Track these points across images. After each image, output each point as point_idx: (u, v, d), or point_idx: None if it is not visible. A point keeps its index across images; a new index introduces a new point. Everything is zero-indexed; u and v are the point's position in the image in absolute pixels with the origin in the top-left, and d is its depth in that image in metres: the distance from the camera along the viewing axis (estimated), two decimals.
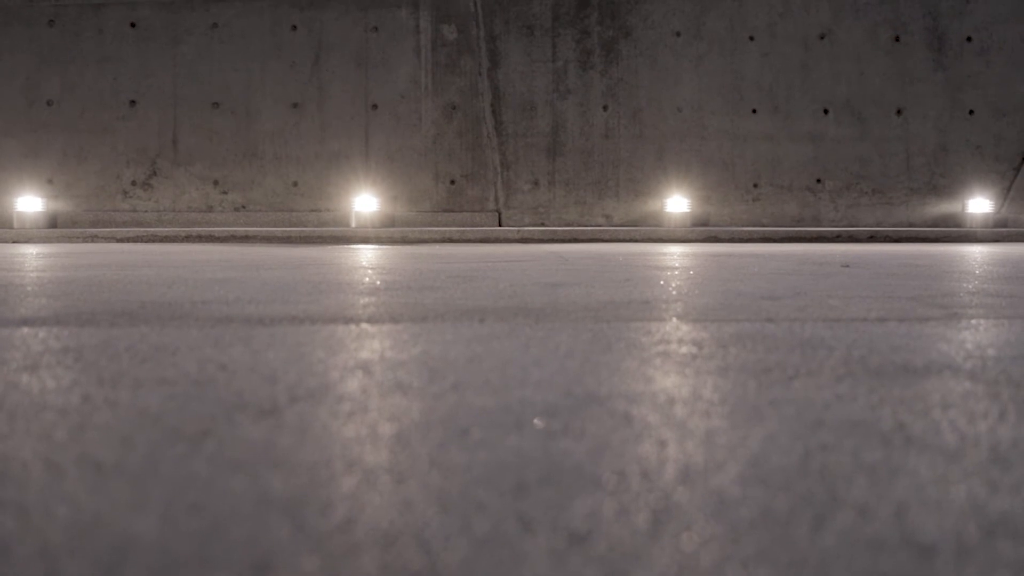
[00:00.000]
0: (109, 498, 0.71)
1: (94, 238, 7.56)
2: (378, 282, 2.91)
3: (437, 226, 8.44)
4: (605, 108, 8.77)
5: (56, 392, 1.13)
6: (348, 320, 1.85)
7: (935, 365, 1.34)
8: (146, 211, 8.84)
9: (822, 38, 8.71)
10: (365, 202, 8.45)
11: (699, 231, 7.88)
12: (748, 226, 8.51)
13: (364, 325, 1.78)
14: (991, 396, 1.12)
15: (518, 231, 7.76)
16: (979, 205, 8.45)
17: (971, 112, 8.64)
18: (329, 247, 6.24)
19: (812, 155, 8.75)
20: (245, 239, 7.43)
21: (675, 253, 5.17)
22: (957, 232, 7.94)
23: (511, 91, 8.78)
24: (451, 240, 7.44)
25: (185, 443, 0.88)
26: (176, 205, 8.85)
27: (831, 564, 0.59)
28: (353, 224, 8.40)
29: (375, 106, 8.77)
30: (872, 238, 7.62)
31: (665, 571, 0.57)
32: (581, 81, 8.78)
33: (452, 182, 8.79)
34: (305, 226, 8.51)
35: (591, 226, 8.62)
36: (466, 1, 8.77)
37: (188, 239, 7.45)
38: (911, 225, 8.62)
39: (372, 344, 1.53)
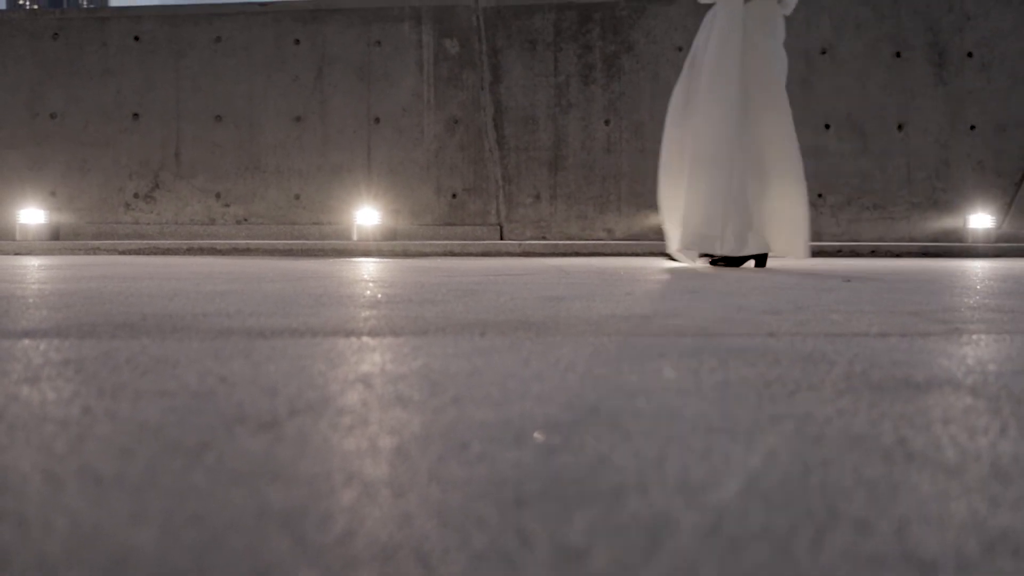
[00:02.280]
0: (108, 509, 0.71)
1: (96, 250, 7.57)
2: (379, 295, 2.91)
3: (439, 239, 8.45)
4: (607, 122, 8.79)
5: (56, 404, 1.13)
6: (349, 333, 1.86)
7: (936, 380, 1.34)
8: (148, 224, 8.85)
9: (823, 53, 8.73)
10: (367, 215, 8.47)
11: None
12: None
13: (365, 338, 1.78)
14: (992, 411, 1.12)
15: (520, 245, 7.77)
16: (980, 220, 8.45)
17: (972, 127, 8.66)
18: (331, 260, 6.25)
19: (813, 169, 8.75)
20: (247, 252, 7.44)
21: (677, 267, 5.17)
22: (959, 247, 7.95)
23: (513, 105, 8.80)
24: (453, 254, 7.44)
25: (185, 455, 0.88)
26: (178, 218, 8.87)
27: None
28: (355, 237, 8.41)
29: (377, 119, 8.80)
30: (874, 253, 7.62)
31: None
32: (583, 95, 8.80)
33: (454, 196, 8.80)
34: (307, 239, 8.52)
35: (593, 240, 8.63)
36: (468, 15, 8.81)
37: (190, 252, 7.46)
38: (912, 240, 8.62)
39: (373, 357, 1.53)
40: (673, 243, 5.13)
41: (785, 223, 5.00)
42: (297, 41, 8.79)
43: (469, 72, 8.80)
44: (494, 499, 0.74)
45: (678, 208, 5.01)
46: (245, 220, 8.84)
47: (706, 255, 5.07)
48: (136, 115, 8.85)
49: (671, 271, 4.70)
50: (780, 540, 0.65)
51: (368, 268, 5.01)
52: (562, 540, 0.65)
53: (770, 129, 5.01)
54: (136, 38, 8.86)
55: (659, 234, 8.58)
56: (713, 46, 4.99)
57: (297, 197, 8.84)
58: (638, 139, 8.79)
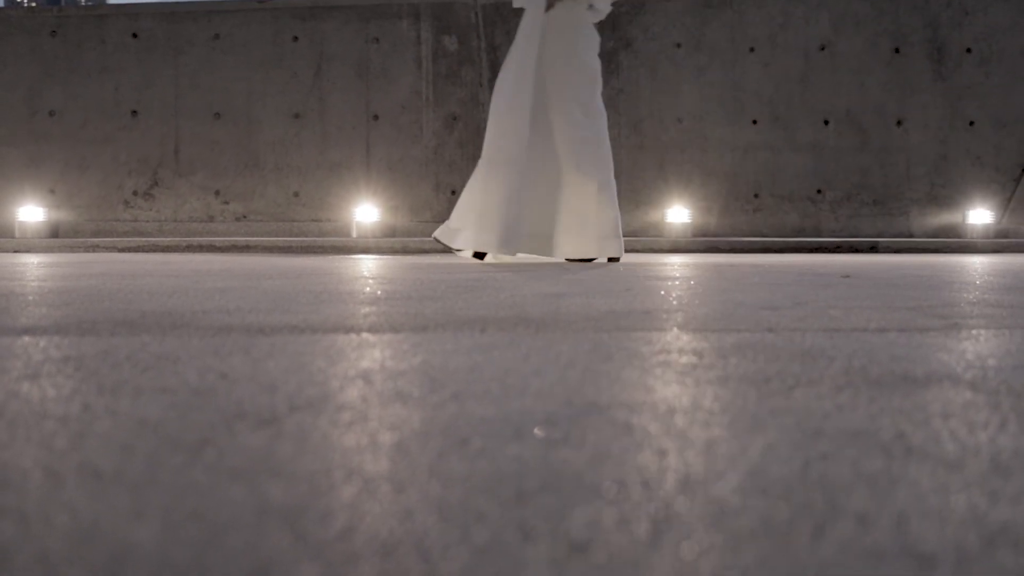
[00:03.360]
0: (108, 506, 0.71)
1: (95, 248, 7.57)
2: (378, 292, 2.91)
3: None
4: None
5: (56, 401, 1.13)
6: (348, 330, 1.86)
7: (935, 375, 1.34)
8: (147, 221, 8.85)
9: (822, 49, 8.73)
10: (366, 212, 8.46)
11: (700, 241, 7.89)
12: (749, 236, 8.52)
13: (364, 335, 1.78)
14: (992, 406, 1.12)
15: None
16: (979, 216, 8.46)
17: (971, 123, 8.66)
18: (330, 257, 6.25)
19: (812, 166, 8.76)
20: (246, 249, 7.43)
21: (676, 263, 5.18)
22: (958, 243, 7.95)
23: None
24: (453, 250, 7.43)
25: (185, 452, 0.88)
26: (177, 215, 8.86)
27: (831, 573, 0.59)
28: (354, 234, 8.40)
29: (376, 116, 8.79)
30: (873, 248, 7.63)
31: None
32: None
33: (453, 192, 8.80)
34: (306, 236, 8.52)
35: None
36: (467, 12, 8.80)
37: (189, 249, 7.46)
38: (911, 235, 8.62)
39: (372, 354, 1.53)
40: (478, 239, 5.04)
41: (577, 227, 5.00)
42: (295, 38, 8.79)
43: (468, 69, 8.79)
44: (495, 494, 0.74)
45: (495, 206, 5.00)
46: (244, 217, 8.84)
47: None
48: (135, 112, 8.85)
49: (669, 267, 4.70)
50: (780, 533, 0.65)
51: (367, 265, 5.00)
52: (563, 534, 0.65)
53: (562, 135, 5.01)
54: (134, 35, 8.86)
55: (658, 230, 8.60)
56: (514, 52, 5.02)
57: (296, 194, 8.83)
58: (637, 135, 8.79)
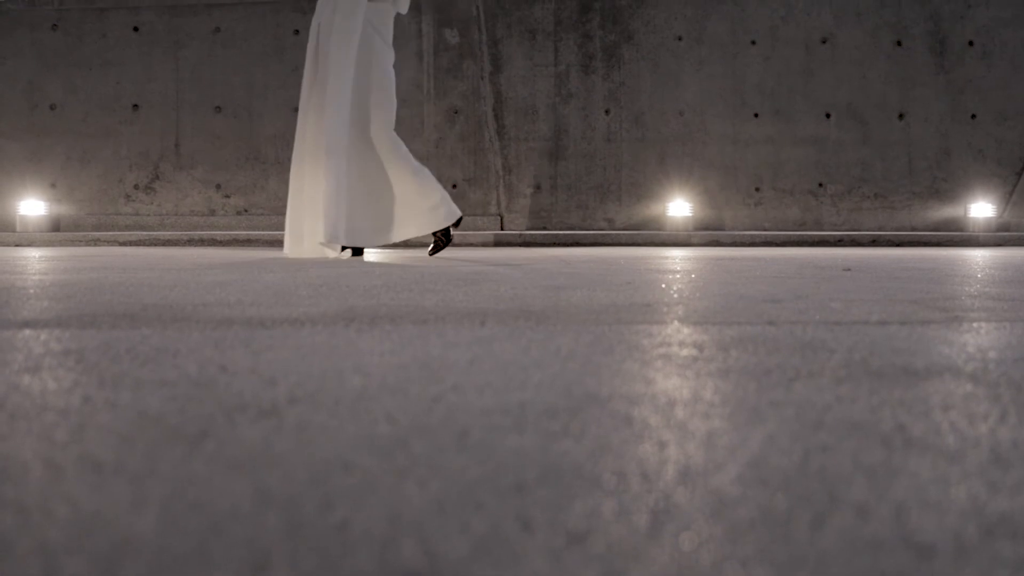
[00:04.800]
0: (109, 497, 0.71)
1: (97, 242, 7.57)
2: (379, 285, 2.91)
3: None
4: (607, 112, 8.78)
5: (57, 393, 1.13)
6: (348, 322, 1.86)
7: (936, 368, 1.34)
8: (148, 215, 8.85)
9: (824, 42, 8.72)
10: None
11: (701, 235, 7.88)
12: (750, 230, 8.52)
13: (364, 327, 1.78)
14: (992, 398, 1.12)
15: (520, 235, 7.77)
16: (981, 209, 8.45)
17: (973, 116, 8.64)
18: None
19: (814, 159, 8.75)
20: (247, 243, 7.43)
21: (677, 257, 5.18)
22: (959, 236, 7.94)
23: (513, 95, 8.79)
24: (453, 244, 7.43)
25: (185, 443, 0.88)
26: (178, 209, 8.86)
27: (830, 563, 0.59)
28: None
29: None
30: (874, 242, 7.62)
31: (664, 570, 0.57)
32: (583, 85, 8.79)
33: (454, 186, 8.80)
34: None
35: (593, 230, 8.62)
36: (468, 5, 8.78)
37: (190, 243, 7.46)
38: (913, 229, 8.62)
39: (372, 346, 1.53)
40: (315, 236, 4.98)
41: (408, 210, 5.05)
42: (296, 31, 8.78)
43: (469, 62, 8.78)
44: (494, 485, 0.74)
45: (315, 200, 4.97)
46: (245, 211, 8.84)
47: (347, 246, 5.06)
48: (136, 106, 8.84)
49: (670, 260, 4.70)
50: (780, 524, 0.65)
51: (368, 258, 5.00)
52: (562, 525, 0.65)
53: (379, 125, 5.02)
54: (135, 29, 8.85)
55: (659, 223, 8.60)
56: (335, 42, 4.97)
57: None
58: (638, 128, 8.78)
